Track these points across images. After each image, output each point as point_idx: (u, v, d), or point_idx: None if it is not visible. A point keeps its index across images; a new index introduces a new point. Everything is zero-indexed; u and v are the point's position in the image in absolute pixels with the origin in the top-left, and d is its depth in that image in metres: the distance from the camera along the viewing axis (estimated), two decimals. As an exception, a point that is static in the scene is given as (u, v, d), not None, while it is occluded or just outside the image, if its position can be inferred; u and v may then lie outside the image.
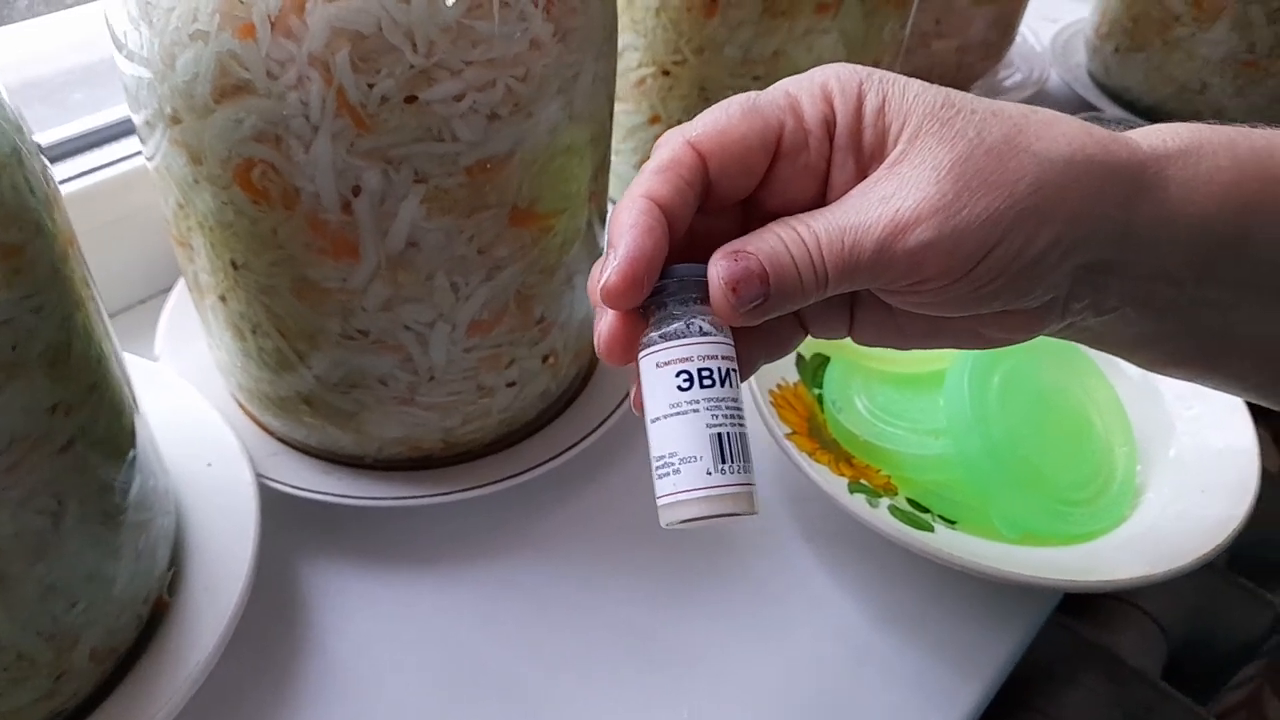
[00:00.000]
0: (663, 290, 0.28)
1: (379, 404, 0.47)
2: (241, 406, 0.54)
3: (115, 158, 0.61)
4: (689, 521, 0.27)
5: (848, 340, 0.33)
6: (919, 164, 0.27)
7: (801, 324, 0.32)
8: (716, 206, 0.30)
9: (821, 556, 0.53)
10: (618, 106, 0.63)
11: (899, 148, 0.27)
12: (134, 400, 0.42)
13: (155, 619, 0.44)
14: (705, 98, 0.59)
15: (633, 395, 0.29)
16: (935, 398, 0.55)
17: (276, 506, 0.50)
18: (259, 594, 0.47)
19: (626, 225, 0.27)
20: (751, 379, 0.54)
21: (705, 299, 0.28)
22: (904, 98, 0.28)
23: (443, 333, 0.45)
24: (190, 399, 0.51)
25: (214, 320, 0.48)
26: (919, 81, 0.28)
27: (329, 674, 0.46)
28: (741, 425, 0.28)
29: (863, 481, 0.52)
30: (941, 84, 0.29)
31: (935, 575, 0.52)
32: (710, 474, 0.27)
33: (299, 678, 0.46)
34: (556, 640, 0.49)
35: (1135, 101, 0.87)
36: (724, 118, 0.29)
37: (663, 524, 0.28)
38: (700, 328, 0.28)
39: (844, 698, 0.47)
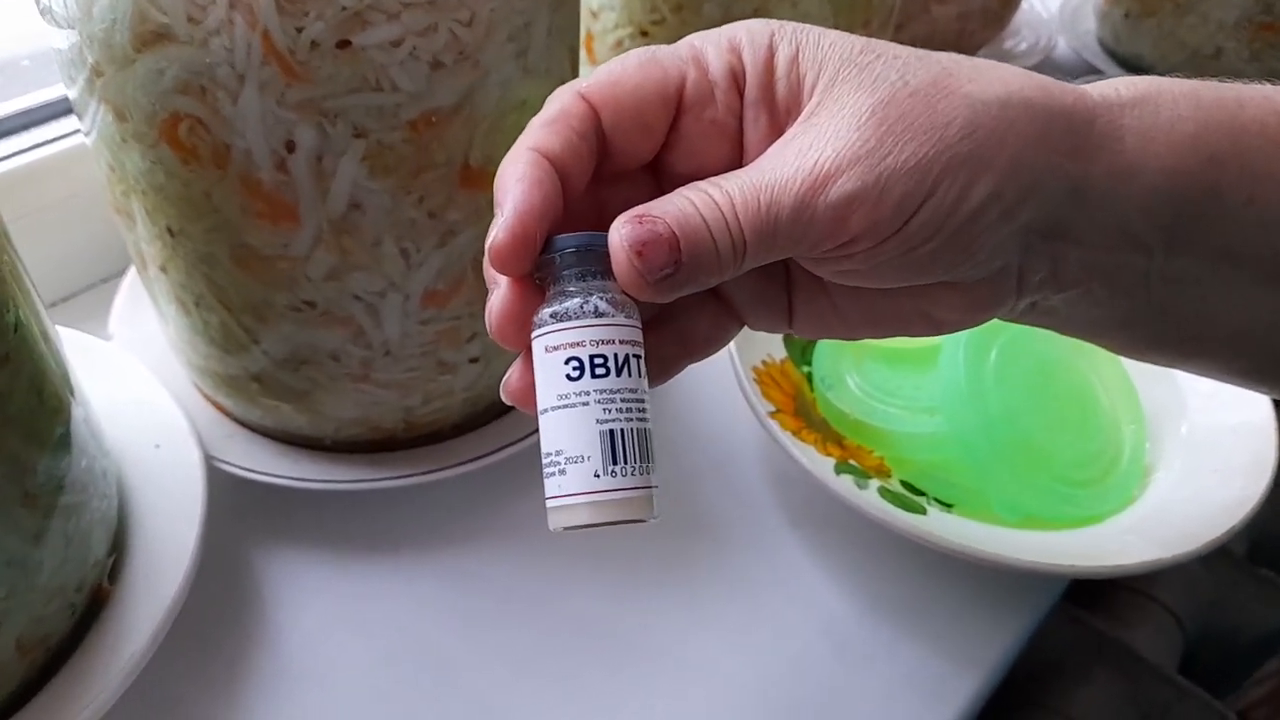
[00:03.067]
0: (560, 262, 0.25)
1: (332, 381, 0.45)
2: (197, 388, 0.51)
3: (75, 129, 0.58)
4: (576, 528, 0.25)
5: None
6: (837, 112, 0.24)
7: (736, 315, 0.29)
8: (618, 169, 0.27)
9: (807, 543, 0.50)
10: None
11: (815, 99, 0.25)
12: (66, 376, 0.39)
13: (96, 609, 0.41)
14: (685, 60, 0.56)
15: (510, 380, 0.26)
16: (931, 373, 0.52)
17: (230, 491, 0.48)
18: (208, 583, 0.44)
19: (512, 180, 0.24)
20: (734, 354, 0.51)
21: (609, 273, 0.25)
22: (819, 46, 0.25)
23: (395, 303, 0.42)
24: (140, 378, 0.48)
25: (159, 294, 0.46)
26: (836, 31, 0.26)
27: (279, 667, 0.44)
28: (642, 420, 0.25)
29: (851, 462, 0.49)
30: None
31: (930, 562, 0.49)
32: (599, 477, 0.24)
33: (248, 671, 0.44)
34: (521, 633, 0.46)
35: (1147, 69, 0.83)
36: (618, 68, 0.26)
37: (550, 528, 0.25)
38: (596, 307, 0.24)
39: (831, 692, 0.44)
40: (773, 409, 0.50)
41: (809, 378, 0.55)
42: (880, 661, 0.45)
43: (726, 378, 0.51)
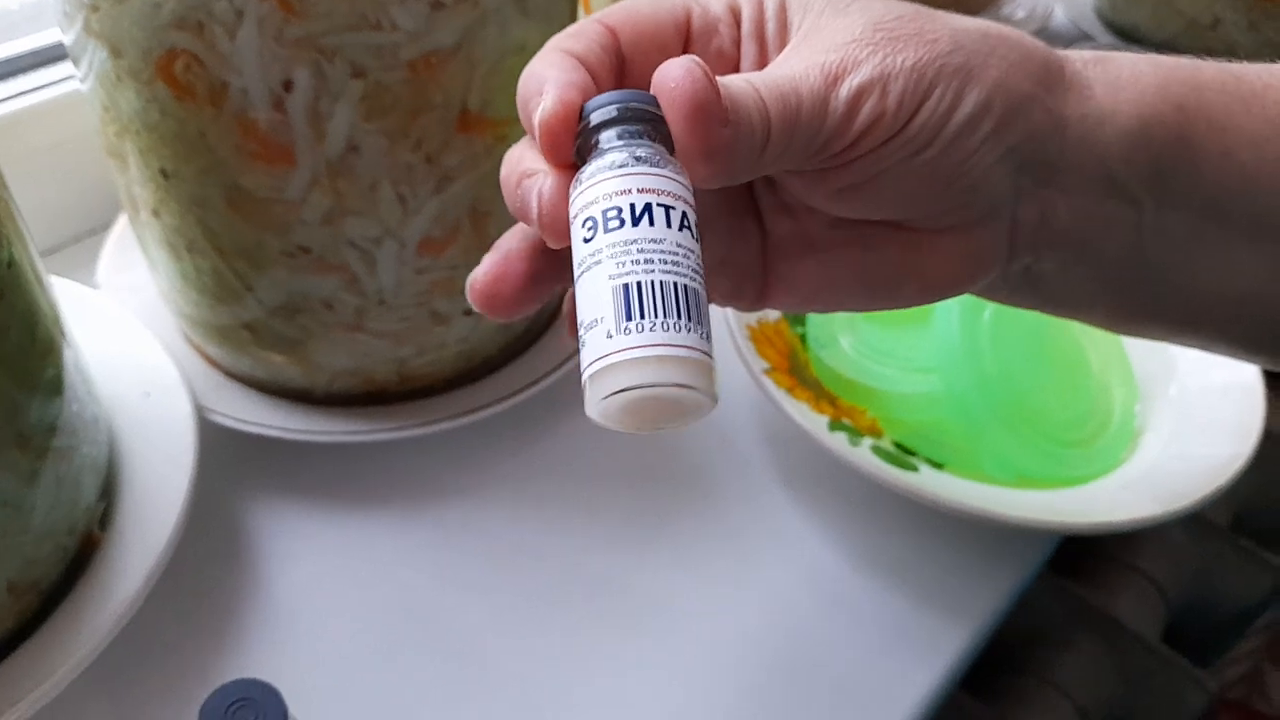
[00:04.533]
0: (595, 128, 0.23)
1: (325, 330, 0.44)
2: (188, 339, 0.51)
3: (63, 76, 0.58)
4: (606, 400, 0.20)
5: None
6: (833, 31, 0.25)
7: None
8: None
9: (799, 501, 0.50)
10: (592, 29, 0.60)
11: (804, 28, 0.26)
12: (58, 318, 0.39)
13: (86, 555, 0.41)
14: (684, 16, 0.55)
15: (476, 277, 0.25)
16: (925, 333, 0.52)
17: (222, 442, 0.47)
18: (199, 533, 0.44)
19: (545, 68, 0.24)
20: (728, 312, 0.51)
21: (648, 133, 0.23)
22: None
23: (391, 251, 0.42)
24: (129, 327, 0.48)
25: (150, 240, 0.45)
26: None
27: (270, 617, 0.44)
28: (671, 273, 0.20)
29: (845, 421, 0.49)
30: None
31: (921, 520, 0.49)
32: (611, 337, 0.20)
33: (238, 620, 0.43)
34: (513, 586, 0.46)
35: (1143, 39, 0.83)
36: (630, 2, 0.27)
37: (588, 414, 0.21)
38: (613, 161, 0.21)
39: (822, 645, 0.45)
40: (767, 367, 0.50)
41: (803, 338, 0.55)
42: (871, 615, 0.46)
43: (720, 336, 0.51)
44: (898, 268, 0.27)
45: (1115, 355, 0.52)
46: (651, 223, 0.21)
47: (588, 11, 0.59)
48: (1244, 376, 0.49)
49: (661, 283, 0.20)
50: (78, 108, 0.57)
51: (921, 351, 0.51)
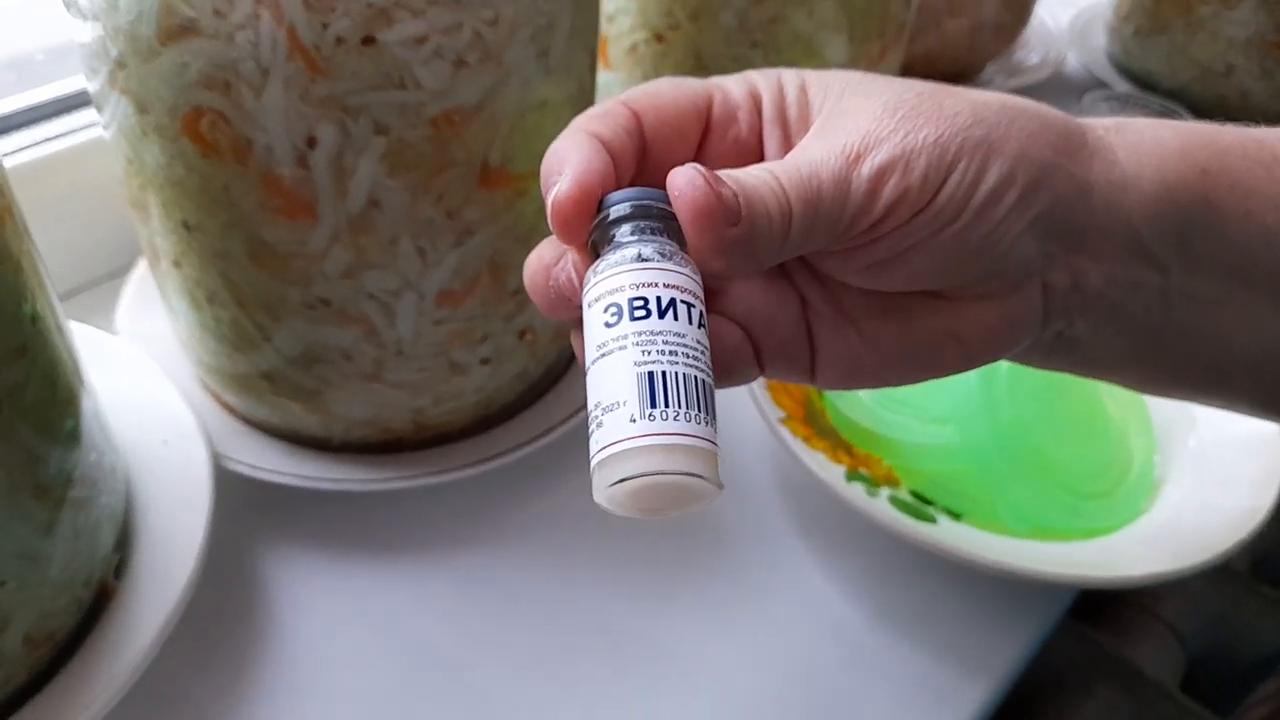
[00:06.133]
0: (612, 216, 0.23)
1: (343, 380, 0.44)
2: (205, 386, 0.51)
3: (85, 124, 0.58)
4: (619, 484, 0.21)
5: None
6: (854, 112, 0.25)
7: (756, 355, 0.28)
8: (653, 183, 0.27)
9: (816, 551, 0.50)
10: (610, 75, 0.60)
11: (825, 112, 0.26)
12: (78, 368, 0.39)
13: (101, 605, 0.41)
14: (701, 66, 0.56)
15: (578, 353, 0.25)
16: (942, 383, 0.51)
17: (238, 490, 0.47)
18: (214, 581, 0.44)
19: (569, 149, 0.24)
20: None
21: (665, 230, 0.24)
22: (822, 78, 0.27)
23: (410, 303, 0.42)
24: (148, 374, 0.48)
25: (171, 289, 0.45)
26: (836, 70, 0.28)
27: (285, 667, 0.43)
28: (694, 367, 0.22)
29: (862, 471, 0.49)
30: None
31: (938, 572, 0.49)
32: (634, 421, 0.21)
33: (253, 670, 0.43)
34: (530, 638, 0.45)
35: (1157, 86, 0.83)
36: (652, 86, 0.27)
37: (595, 499, 0.22)
38: (639, 253, 0.22)
39: (838, 698, 0.44)
40: (783, 416, 0.50)
41: (818, 386, 0.55)
42: (888, 668, 0.45)
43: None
44: (937, 335, 0.27)
45: (1134, 406, 0.52)
46: (675, 317, 0.22)
47: (606, 65, 0.60)
48: (1264, 428, 0.49)
49: (684, 375, 0.21)
50: (99, 153, 0.58)
51: (938, 401, 0.51)
